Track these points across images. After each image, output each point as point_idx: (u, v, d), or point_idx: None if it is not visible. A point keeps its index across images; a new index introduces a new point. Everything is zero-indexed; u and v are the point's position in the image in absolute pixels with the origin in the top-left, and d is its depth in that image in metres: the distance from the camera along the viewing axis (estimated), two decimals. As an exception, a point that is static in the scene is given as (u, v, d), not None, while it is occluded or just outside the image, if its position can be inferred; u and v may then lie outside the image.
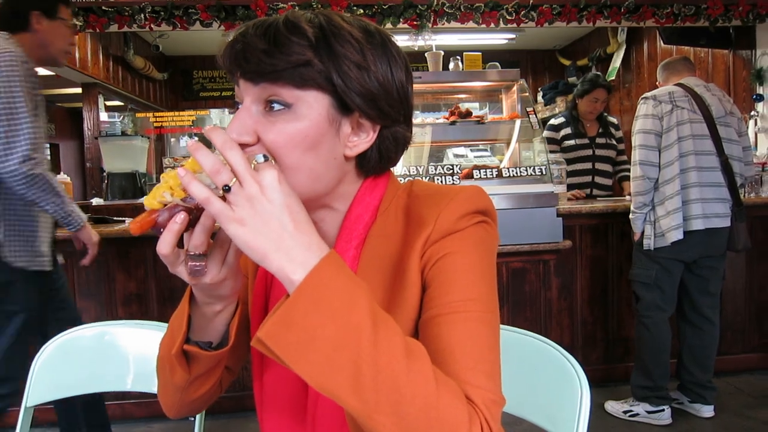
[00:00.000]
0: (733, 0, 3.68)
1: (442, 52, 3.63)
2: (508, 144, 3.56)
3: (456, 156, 3.94)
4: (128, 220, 2.81)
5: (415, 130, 3.40)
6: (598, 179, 3.78)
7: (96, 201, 4.17)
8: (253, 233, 0.57)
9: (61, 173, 2.86)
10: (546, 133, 3.79)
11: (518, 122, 3.40)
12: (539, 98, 6.05)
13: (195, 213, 0.61)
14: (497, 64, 3.68)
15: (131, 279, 2.88)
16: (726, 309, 3.25)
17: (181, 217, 0.60)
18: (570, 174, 3.68)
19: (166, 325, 1.28)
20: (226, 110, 6.09)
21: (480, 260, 0.71)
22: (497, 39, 5.98)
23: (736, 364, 3.28)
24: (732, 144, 2.69)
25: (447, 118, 3.34)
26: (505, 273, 2.95)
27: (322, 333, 0.55)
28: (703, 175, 2.62)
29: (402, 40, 4.17)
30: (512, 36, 5.84)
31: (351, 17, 0.73)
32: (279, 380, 0.81)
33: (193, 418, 1.09)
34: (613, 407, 2.83)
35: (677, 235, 2.59)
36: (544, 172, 3.01)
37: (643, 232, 2.70)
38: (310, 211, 0.75)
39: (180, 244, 0.63)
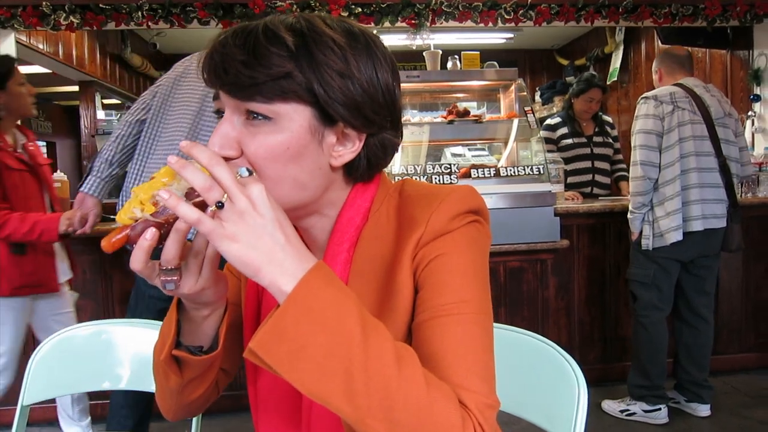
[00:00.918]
0: (730, 0, 3.69)
1: (440, 51, 3.63)
2: (506, 143, 3.56)
3: (454, 155, 3.94)
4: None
5: (413, 128, 3.41)
6: (599, 177, 3.78)
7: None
8: (246, 248, 0.57)
9: (58, 171, 2.85)
10: (543, 133, 3.78)
11: (516, 121, 3.40)
12: (537, 98, 6.05)
13: (166, 228, 0.61)
14: (495, 63, 3.69)
15: (128, 278, 2.87)
16: (722, 309, 3.26)
17: (151, 233, 0.60)
18: (570, 173, 3.69)
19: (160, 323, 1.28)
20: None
21: (473, 261, 0.71)
22: (495, 38, 5.98)
23: (732, 364, 3.29)
24: (730, 145, 2.70)
25: (445, 117, 3.34)
26: (503, 272, 2.95)
27: (313, 341, 0.55)
28: (703, 176, 2.62)
29: (400, 39, 4.17)
30: (510, 35, 5.84)
31: (335, 19, 0.70)
32: (273, 385, 0.80)
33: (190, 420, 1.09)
34: (610, 406, 2.83)
35: (677, 236, 2.59)
36: (541, 172, 3.01)
37: (641, 232, 2.70)
38: (299, 218, 0.75)
39: (157, 255, 0.63)
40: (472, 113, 3.34)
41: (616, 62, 5.68)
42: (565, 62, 6.53)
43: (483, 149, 3.92)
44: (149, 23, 3.25)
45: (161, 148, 2.11)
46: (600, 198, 3.66)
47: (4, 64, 2.26)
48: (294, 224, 0.68)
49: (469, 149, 3.92)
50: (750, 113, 3.98)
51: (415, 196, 0.75)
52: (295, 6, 3.29)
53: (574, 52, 6.55)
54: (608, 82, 5.62)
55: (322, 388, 0.55)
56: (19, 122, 2.36)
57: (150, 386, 1.08)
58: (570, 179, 3.67)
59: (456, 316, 0.67)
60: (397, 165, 3.17)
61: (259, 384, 0.82)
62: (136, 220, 0.60)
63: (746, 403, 2.93)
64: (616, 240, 3.21)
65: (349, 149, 0.71)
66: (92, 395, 2.61)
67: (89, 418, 2.53)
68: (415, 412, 0.56)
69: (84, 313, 2.81)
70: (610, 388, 3.06)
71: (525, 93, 3.39)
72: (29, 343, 2.38)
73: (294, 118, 0.66)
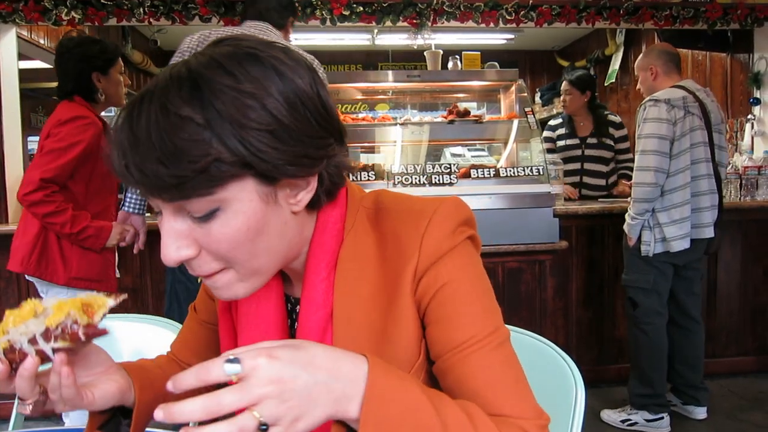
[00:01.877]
0: (731, 4, 3.69)
1: (441, 51, 3.63)
2: (506, 144, 3.56)
3: (453, 155, 3.95)
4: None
5: (413, 128, 3.42)
6: (587, 179, 3.77)
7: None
8: (311, 416, 0.51)
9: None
10: (545, 133, 3.81)
11: (516, 122, 3.41)
12: (537, 99, 6.06)
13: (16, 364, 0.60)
14: (496, 63, 3.69)
15: (127, 273, 2.88)
16: (720, 311, 3.27)
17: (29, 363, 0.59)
18: (564, 174, 3.69)
19: (162, 319, 1.28)
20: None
21: (477, 281, 0.70)
22: (496, 39, 5.98)
23: (730, 367, 3.29)
24: (722, 151, 2.69)
25: (445, 117, 3.34)
26: (501, 273, 2.95)
27: None
28: (712, 182, 2.61)
29: (401, 39, 4.17)
30: (511, 36, 5.84)
31: (228, 51, 0.60)
32: None
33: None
34: (610, 416, 2.76)
35: (684, 245, 2.52)
36: (541, 173, 3.01)
37: (640, 238, 2.62)
38: (284, 268, 0.72)
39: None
40: (472, 113, 3.34)
41: (615, 64, 5.68)
42: (565, 64, 6.53)
43: (482, 150, 3.93)
44: (151, 20, 3.25)
45: None
46: (599, 200, 3.67)
47: (111, 51, 2.31)
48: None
49: (468, 149, 3.93)
50: (750, 116, 3.99)
51: (396, 211, 0.71)
52: (296, 4, 3.29)
53: (574, 54, 6.55)
54: (606, 84, 5.64)
55: None
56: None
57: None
58: (564, 179, 3.68)
59: (479, 351, 0.66)
60: (397, 164, 3.17)
61: None
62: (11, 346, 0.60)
63: (743, 406, 2.93)
64: (614, 242, 3.21)
65: (306, 190, 0.65)
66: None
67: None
68: None
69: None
70: (607, 390, 3.07)
71: (525, 94, 3.39)
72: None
73: (242, 198, 0.59)
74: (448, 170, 2.94)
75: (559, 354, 0.94)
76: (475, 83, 3.66)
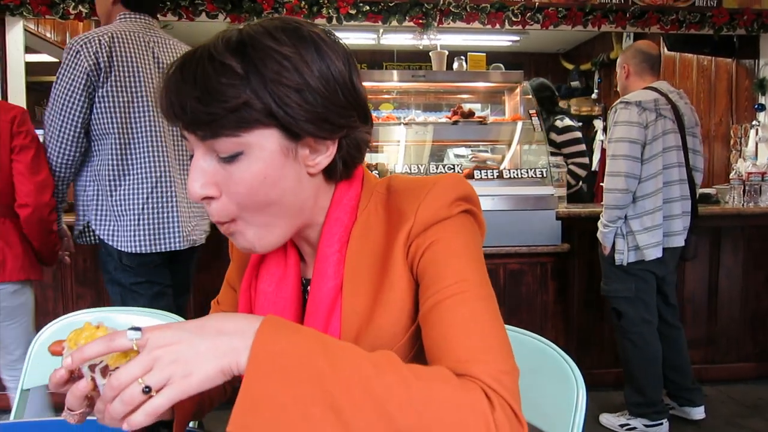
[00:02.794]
0: (738, 9, 3.69)
1: (447, 52, 3.64)
2: (510, 145, 3.57)
3: (457, 156, 3.95)
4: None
5: (417, 128, 3.42)
6: None
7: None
8: (190, 369, 0.54)
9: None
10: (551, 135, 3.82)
11: (520, 124, 3.41)
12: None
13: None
14: (501, 65, 3.69)
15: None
16: (721, 317, 3.26)
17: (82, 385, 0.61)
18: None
19: (163, 313, 1.28)
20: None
21: (465, 244, 0.70)
22: (501, 41, 5.98)
23: (729, 373, 3.28)
24: (696, 155, 2.61)
25: (449, 118, 3.34)
26: (503, 274, 2.96)
27: (287, 397, 0.53)
28: (684, 188, 2.53)
29: (407, 39, 4.17)
30: (516, 38, 5.84)
31: (279, 23, 0.68)
32: None
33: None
34: (609, 420, 2.71)
35: (656, 253, 2.46)
36: (544, 175, 3.01)
37: (613, 246, 2.55)
38: (299, 234, 0.76)
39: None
40: (476, 114, 3.34)
41: (621, 68, 5.68)
42: (570, 67, 6.52)
43: (486, 151, 3.93)
44: (158, 15, 3.25)
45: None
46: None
47: None
48: (292, 238, 0.71)
49: (472, 150, 3.94)
50: (755, 122, 3.99)
51: (402, 190, 0.75)
52: (303, 2, 3.30)
53: (579, 57, 6.54)
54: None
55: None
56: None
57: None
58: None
59: (458, 296, 0.66)
60: (400, 164, 3.18)
61: None
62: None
63: (742, 412, 2.93)
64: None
65: (324, 155, 0.70)
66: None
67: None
68: (413, 410, 0.54)
69: (84, 302, 2.82)
70: (606, 393, 3.06)
71: (530, 96, 3.40)
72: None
73: (264, 146, 0.65)
74: (452, 171, 2.94)
75: (561, 355, 0.94)
76: (480, 84, 3.66)
